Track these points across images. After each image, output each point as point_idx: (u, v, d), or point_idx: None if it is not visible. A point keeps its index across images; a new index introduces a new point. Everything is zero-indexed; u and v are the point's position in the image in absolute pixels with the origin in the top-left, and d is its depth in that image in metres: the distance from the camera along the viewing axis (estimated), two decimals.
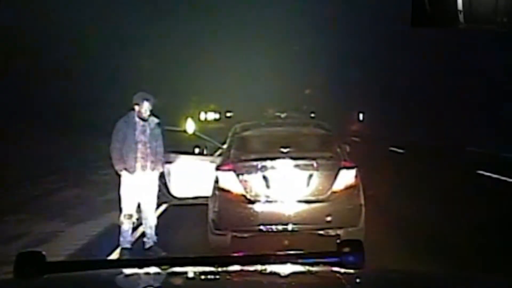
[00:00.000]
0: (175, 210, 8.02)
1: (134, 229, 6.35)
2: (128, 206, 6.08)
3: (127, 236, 6.11)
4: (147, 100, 6.02)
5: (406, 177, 12.62)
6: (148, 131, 6.05)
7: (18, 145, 14.39)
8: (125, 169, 6.00)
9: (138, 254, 5.91)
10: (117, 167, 6.06)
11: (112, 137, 6.08)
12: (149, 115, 6.07)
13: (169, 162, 7.18)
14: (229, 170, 5.91)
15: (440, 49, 28.48)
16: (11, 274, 1.41)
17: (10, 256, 1.58)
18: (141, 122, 6.04)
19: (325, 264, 1.53)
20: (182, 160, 7.47)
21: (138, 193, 6.07)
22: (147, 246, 6.18)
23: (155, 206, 6.30)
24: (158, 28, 32.45)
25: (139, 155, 5.99)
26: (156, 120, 6.18)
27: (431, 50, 29.70)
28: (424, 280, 1.70)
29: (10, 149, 13.86)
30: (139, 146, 6.00)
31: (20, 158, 13.52)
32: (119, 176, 6.11)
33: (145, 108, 6.00)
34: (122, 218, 6.07)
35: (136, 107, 6.02)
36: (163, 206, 8.06)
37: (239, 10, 61.00)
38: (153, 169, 6.08)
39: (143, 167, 6.02)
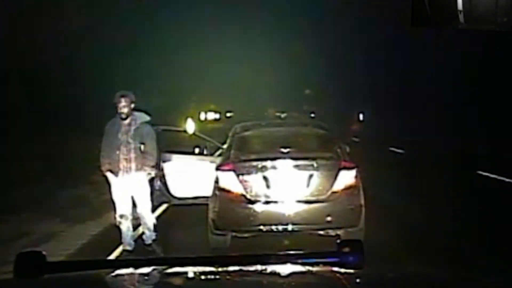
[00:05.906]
0: (175, 210, 8.02)
1: (134, 229, 6.34)
2: (118, 206, 6.03)
3: (126, 237, 6.09)
4: (123, 96, 5.88)
5: (405, 178, 12.60)
6: (131, 132, 5.88)
7: (18, 145, 14.38)
8: (110, 170, 5.94)
9: (139, 254, 5.91)
10: (102, 168, 6.01)
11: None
12: (128, 113, 5.86)
13: (165, 162, 7.20)
14: (229, 170, 5.90)
15: (440, 49, 28.48)
16: (11, 274, 1.41)
17: (10, 256, 1.58)
18: (125, 122, 5.90)
19: (325, 264, 1.53)
20: (177, 160, 7.47)
21: (128, 194, 5.99)
22: (146, 242, 6.20)
23: (150, 206, 6.23)
24: (158, 28, 32.49)
25: (121, 156, 5.86)
26: (144, 119, 6.00)
27: (431, 50, 29.71)
28: (424, 281, 1.70)
29: (11, 148, 13.84)
30: (121, 147, 5.87)
31: (20, 157, 13.50)
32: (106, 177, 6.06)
33: (122, 105, 5.84)
34: (117, 218, 6.05)
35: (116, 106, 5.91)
36: (164, 206, 8.06)
37: (239, 10, 61.02)
38: (138, 170, 5.90)
39: (126, 169, 5.88)
